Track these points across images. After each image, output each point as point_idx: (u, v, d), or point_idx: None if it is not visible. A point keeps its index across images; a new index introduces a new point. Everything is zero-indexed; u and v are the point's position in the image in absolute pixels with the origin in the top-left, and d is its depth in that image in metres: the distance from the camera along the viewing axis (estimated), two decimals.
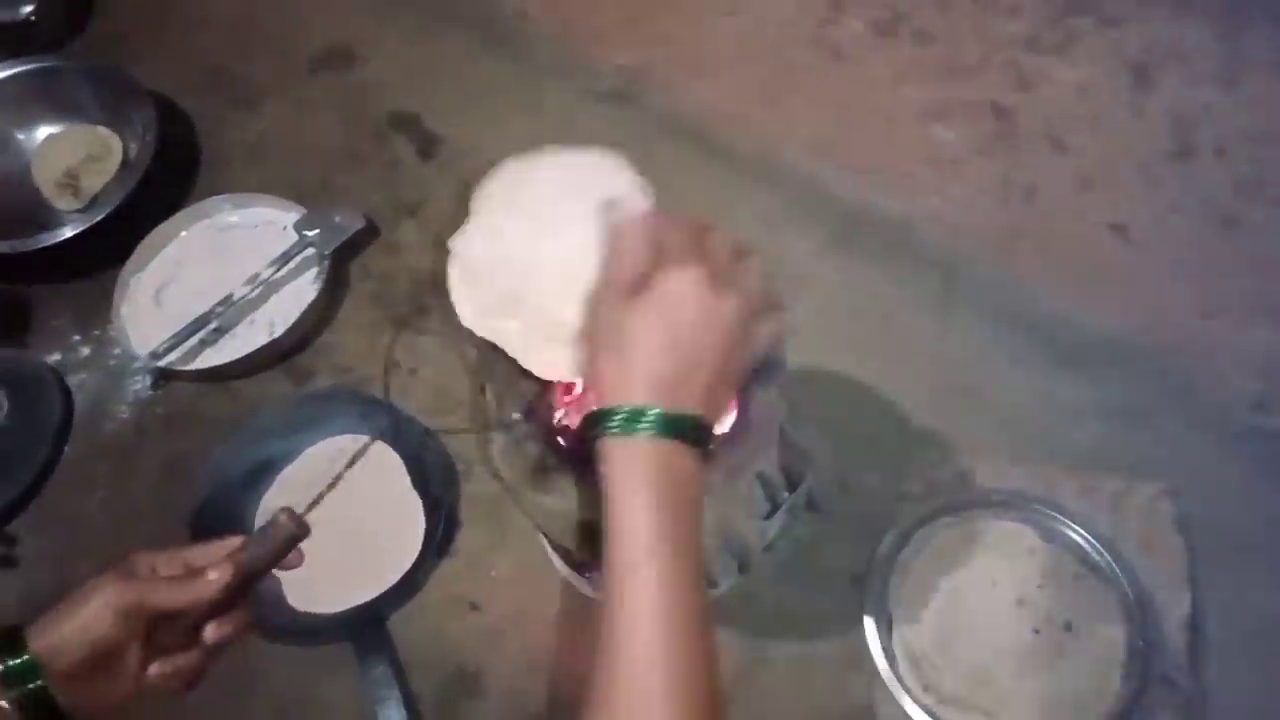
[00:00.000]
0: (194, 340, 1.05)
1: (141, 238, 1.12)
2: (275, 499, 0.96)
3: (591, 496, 0.66)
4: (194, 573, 0.60)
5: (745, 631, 0.86)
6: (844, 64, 0.92)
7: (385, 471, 0.96)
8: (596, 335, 0.54)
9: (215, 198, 1.14)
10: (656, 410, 0.50)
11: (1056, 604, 0.82)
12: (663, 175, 1.15)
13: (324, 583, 0.89)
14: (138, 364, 1.02)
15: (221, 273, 1.10)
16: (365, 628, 0.89)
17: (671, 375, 0.51)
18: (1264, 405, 0.84)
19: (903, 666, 0.81)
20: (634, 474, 0.50)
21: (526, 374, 0.72)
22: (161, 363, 1.03)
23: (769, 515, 0.67)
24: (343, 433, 0.99)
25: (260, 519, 0.95)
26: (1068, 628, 0.81)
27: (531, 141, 1.17)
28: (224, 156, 1.23)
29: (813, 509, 0.82)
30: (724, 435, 0.69)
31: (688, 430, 0.51)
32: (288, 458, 0.99)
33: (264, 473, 0.98)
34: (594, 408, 0.53)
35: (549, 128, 1.15)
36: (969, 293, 0.93)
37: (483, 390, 0.72)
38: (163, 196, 1.17)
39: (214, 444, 1.01)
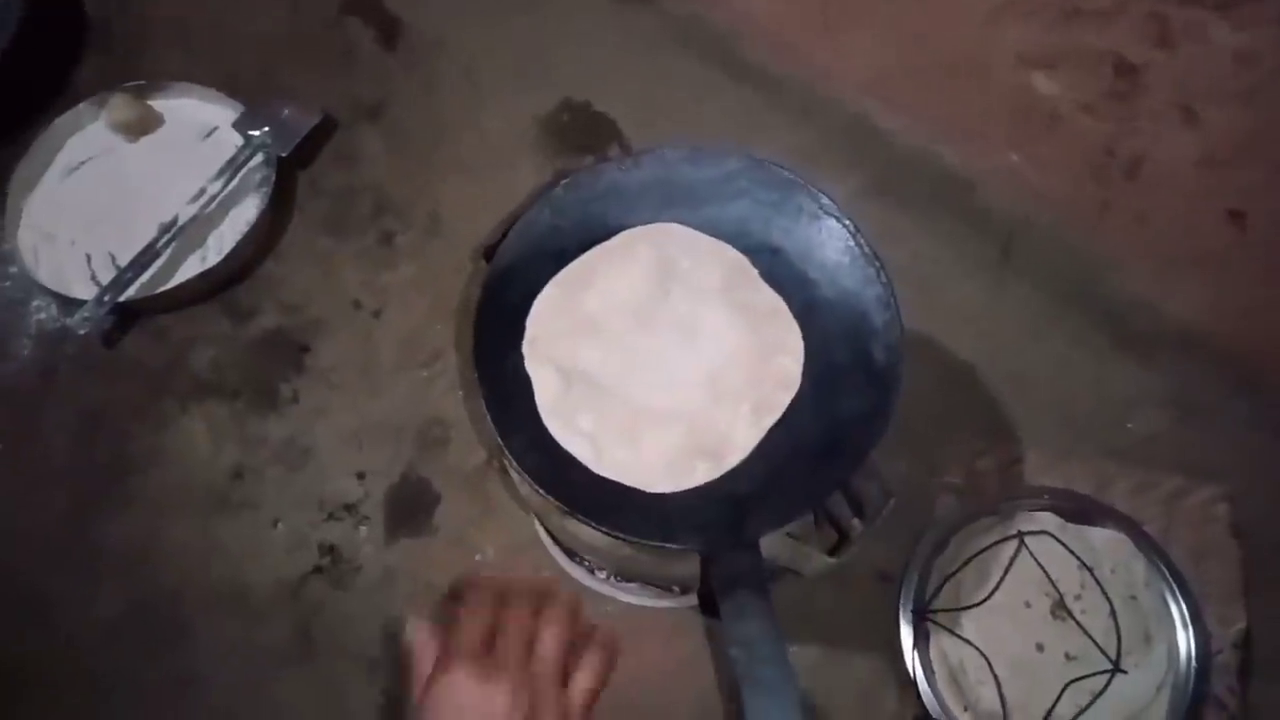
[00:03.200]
0: (144, 274, 0.90)
1: (19, 126, 0.96)
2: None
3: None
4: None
5: None
6: None
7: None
8: None
9: (129, 85, 0.97)
10: None
11: (1103, 617, 0.78)
12: (676, 94, 1.04)
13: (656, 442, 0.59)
14: (84, 308, 0.86)
15: (143, 185, 0.95)
16: (735, 537, 0.57)
17: None
18: None
19: (940, 680, 0.77)
20: None
21: None
22: (124, 297, 0.88)
23: (834, 550, 0.60)
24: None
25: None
26: (1115, 643, 0.77)
27: (518, 40, 1.03)
28: (135, 35, 1.04)
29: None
30: None
31: None
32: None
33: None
34: None
35: (543, 26, 1.00)
36: (1030, 263, 0.85)
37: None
38: (42, 78, 1.00)
39: (139, 391, 0.89)
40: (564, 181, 0.64)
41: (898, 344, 0.59)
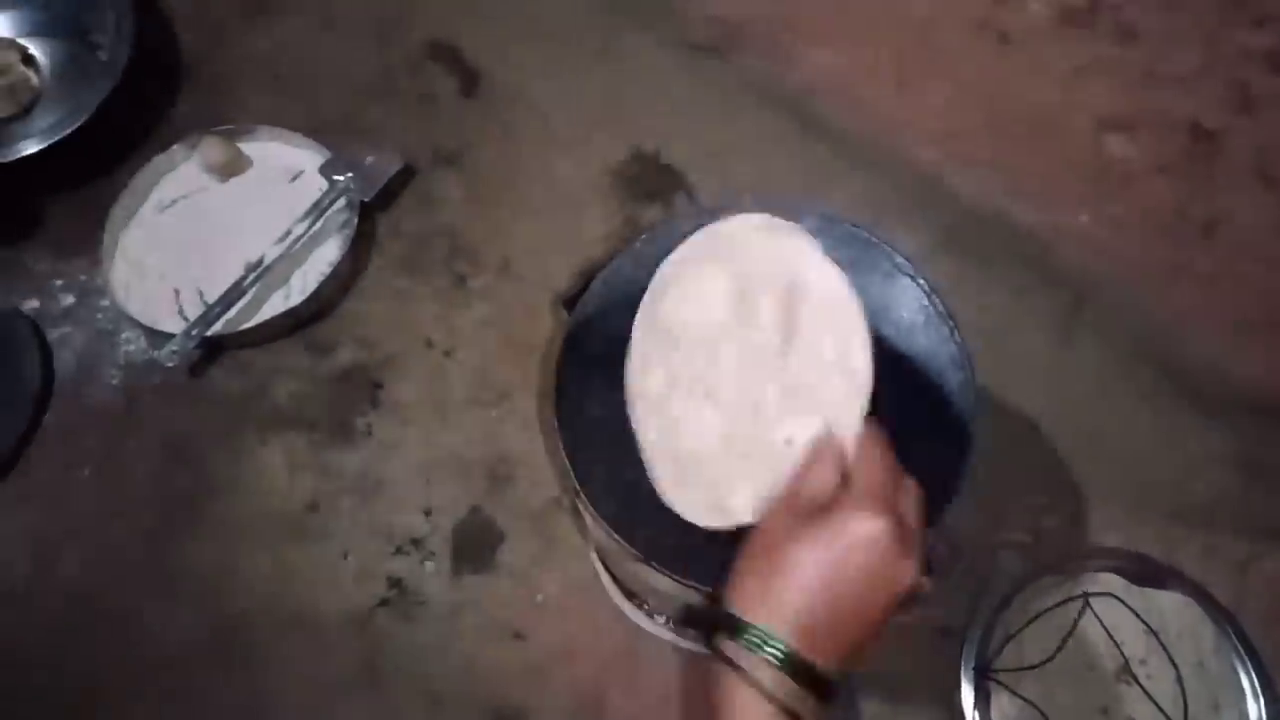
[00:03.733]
0: (230, 310, 0.94)
1: (118, 162, 1.02)
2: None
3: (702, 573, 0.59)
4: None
5: None
6: (1010, 50, 0.81)
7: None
8: (758, 543, 0.51)
9: (219, 129, 1.02)
10: (788, 651, 0.47)
11: (1170, 683, 0.77)
12: (746, 145, 1.07)
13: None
14: (172, 342, 0.91)
15: (231, 224, 1.00)
16: None
17: (822, 621, 0.48)
18: None
19: None
20: (746, 701, 0.47)
21: None
22: (210, 331, 0.93)
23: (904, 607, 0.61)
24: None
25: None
26: (1182, 710, 0.77)
27: (595, 91, 1.07)
28: (228, 76, 1.10)
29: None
30: None
31: (811, 683, 0.48)
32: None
33: None
34: (730, 609, 0.50)
35: (618, 78, 1.03)
36: (1100, 319, 0.85)
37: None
38: (141, 118, 1.06)
39: (220, 422, 0.93)
40: (644, 235, 0.67)
41: (972, 406, 0.60)
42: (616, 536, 0.58)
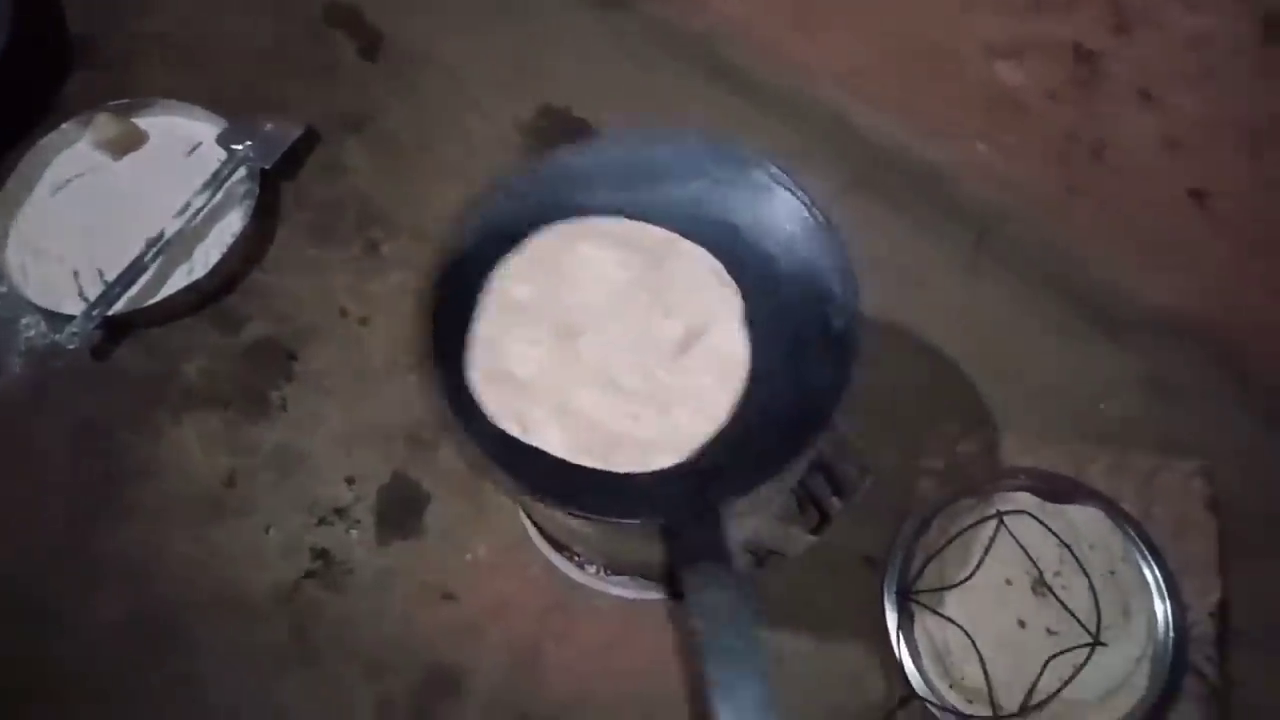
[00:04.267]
0: (131, 288, 0.92)
1: (7, 145, 0.98)
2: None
3: None
4: None
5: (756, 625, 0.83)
6: None
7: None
8: None
9: (112, 104, 0.99)
10: None
11: (1083, 592, 0.80)
12: (657, 95, 1.07)
13: (608, 416, 0.58)
14: (72, 323, 0.89)
15: (129, 201, 0.97)
16: (692, 518, 0.55)
17: None
18: None
19: (926, 659, 0.79)
20: None
21: None
22: (112, 311, 0.90)
23: (816, 529, 0.62)
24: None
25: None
26: (1095, 617, 0.80)
27: (501, 47, 1.06)
28: (120, 52, 1.07)
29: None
30: None
31: None
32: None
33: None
34: None
35: (524, 32, 1.03)
36: (1005, 251, 0.88)
37: None
38: (28, 97, 1.03)
39: (131, 404, 0.91)
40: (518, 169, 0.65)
41: (855, 310, 0.58)
42: (495, 477, 0.55)
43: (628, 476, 0.56)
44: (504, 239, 0.60)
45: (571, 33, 1.04)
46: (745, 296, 0.60)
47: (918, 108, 0.91)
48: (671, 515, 0.54)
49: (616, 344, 0.59)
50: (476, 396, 0.57)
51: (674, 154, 0.64)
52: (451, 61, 1.05)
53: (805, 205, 0.62)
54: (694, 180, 0.64)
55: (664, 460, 0.57)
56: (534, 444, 0.56)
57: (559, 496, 0.55)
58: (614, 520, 0.55)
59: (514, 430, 0.57)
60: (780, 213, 0.63)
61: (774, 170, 0.62)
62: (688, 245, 0.62)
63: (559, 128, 1.01)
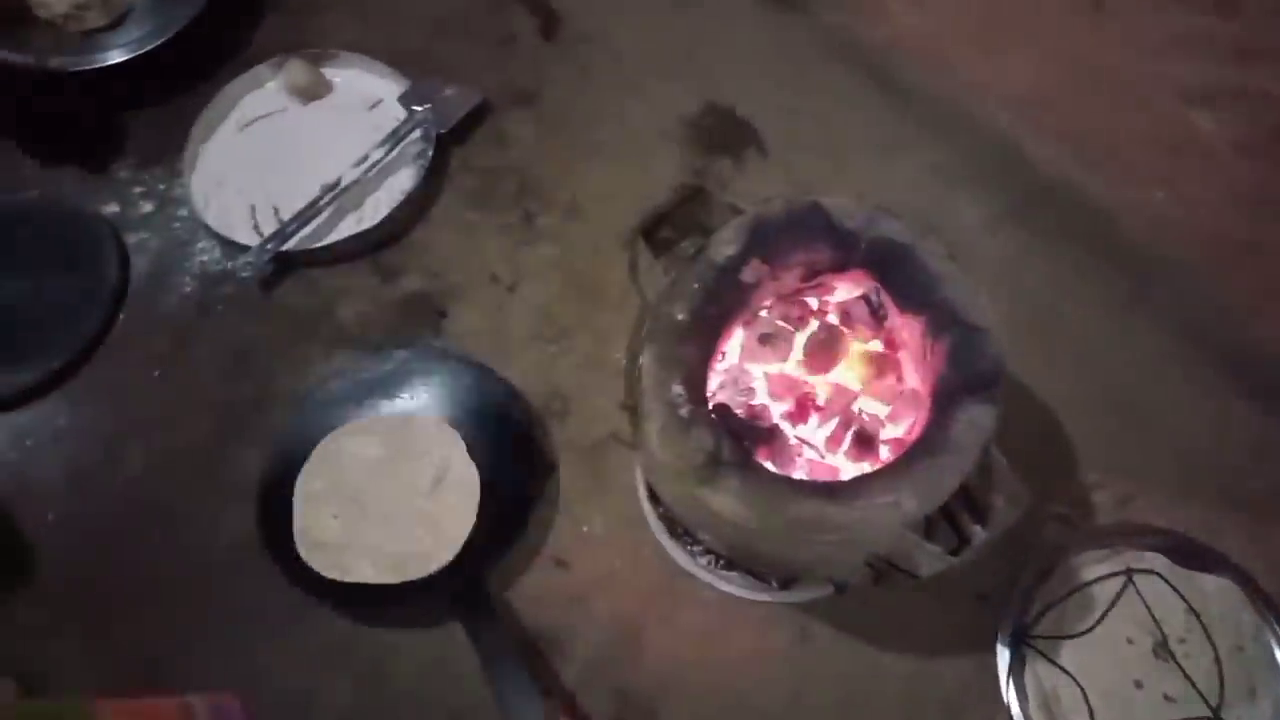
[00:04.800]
0: (304, 228, 0.97)
1: (203, 80, 1.05)
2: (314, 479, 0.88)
3: (767, 502, 0.61)
4: None
5: (858, 638, 0.83)
6: (1103, 18, 0.81)
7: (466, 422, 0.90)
8: None
9: (305, 52, 1.05)
10: None
11: (1207, 663, 0.78)
12: (824, 103, 1.08)
13: (406, 546, 0.85)
14: (247, 254, 0.95)
15: (309, 146, 1.02)
16: (472, 592, 0.82)
17: None
18: None
19: (1033, 705, 0.78)
20: None
21: (690, 335, 0.66)
22: (284, 247, 0.96)
23: (955, 551, 0.62)
24: (417, 391, 0.92)
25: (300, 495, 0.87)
26: (1217, 691, 0.77)
27: (674, 39, 1.08)
28: (307, 3, 1.12)
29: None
30: (913, 446, 0.64)
31: None
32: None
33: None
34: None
35: (698, 27, 1.04)
36: (1162, 300, 0.85)
37: (635, 359, 0.66)
38: (227, 38, 1.09)
39: (287, 336, 0.96)
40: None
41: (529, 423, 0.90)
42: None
43: (425, 578, 0.83)
44: (300, 451, 0.89)
45: (744, 31, 1.06)
46: (467, 437, 0.88)
47: (1094, 143, 0.89)
48: (453, 596, 0.82)
49: (390, 497, 0.86)
50: (307, 562, 0.84)
51: (393, 369, 0.92)
52: (624, 48, 1.07)
53: (482, 368, 0.91)
54: (413, 376, 0.92)
55: (443, 560, 0.84)
56: (355, 580, 0.83)
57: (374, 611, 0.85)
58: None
59: (339, 576, 0.83)
60: (467, 379, 0.91)
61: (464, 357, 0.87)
62: (419, 418, 0.89)
63: (722, 128, 1.02)
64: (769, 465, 0.68)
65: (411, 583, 0.84)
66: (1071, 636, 0.80)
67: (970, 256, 0.94)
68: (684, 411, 0.63)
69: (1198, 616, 0.79)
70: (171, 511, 0.90)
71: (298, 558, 0.85)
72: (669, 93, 1.05)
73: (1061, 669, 0.79)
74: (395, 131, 1.00)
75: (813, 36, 1.01)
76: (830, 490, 0.62)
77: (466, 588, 0.83)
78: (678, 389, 0.64)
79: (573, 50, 1.09)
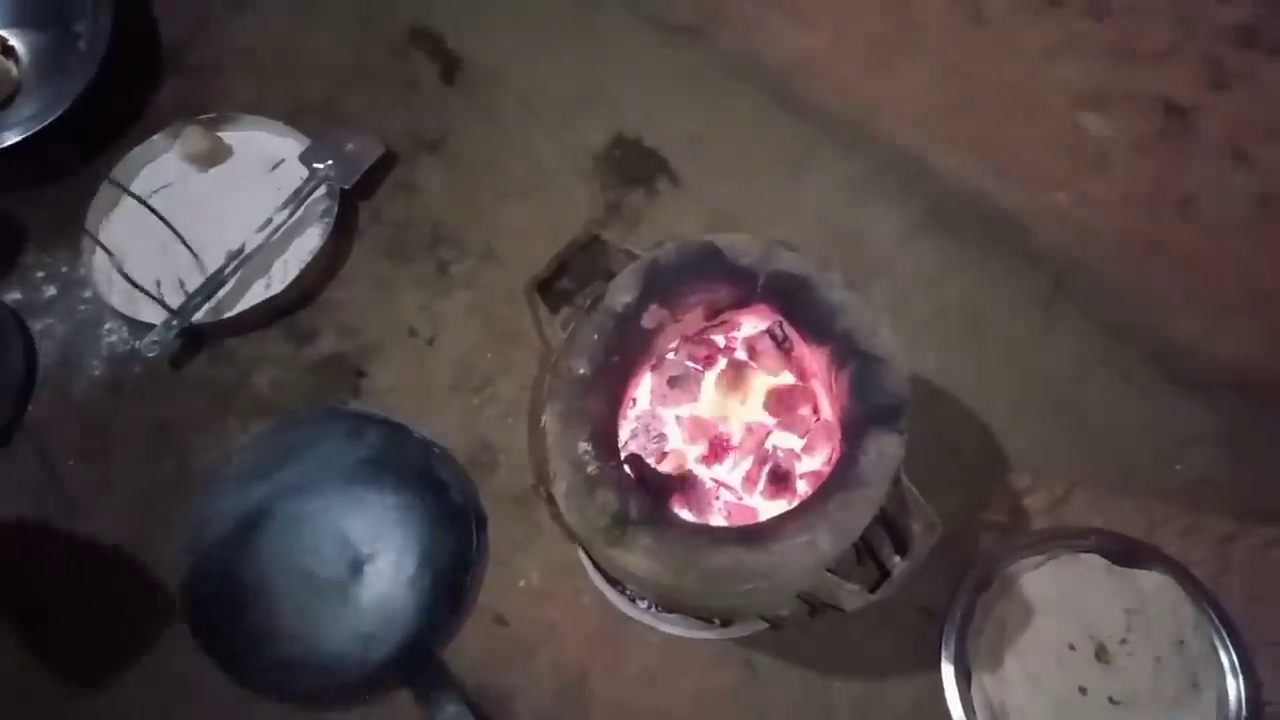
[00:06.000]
0: (211, 299, 0.95)
1: (99, 153, 1.03)
2: (276, 548, 0.87)
3: (681, 557, 0.60)
4: None
5: (805, 667, 0.82)
6: (985, 30, 0.81)
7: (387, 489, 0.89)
8: None
9: (200, 118, 1.03)
10: None
11: (1149, 661, 0.78)
12: (730, 127, 1.07)
13: (346, 626, 0.84)
14: (153, 332, 0.92)
15: (212, 213, 1.01)
16: (419, 664, 0.82)
17: None
18: None
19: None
20: None
21: (594, 389, 0.65)
22: (192, 320, 0.94)
23: (875, 588, 0.62)
24: (331, 459, 0.90)
25: (264, 573, 0.86)
26: (1162, 687, 0.77)
27: (577, 74, 1.07)
28: (209, 65, 1.11)
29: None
30: (825, 481, 0.63)
31: None
32: (279, 497, 0.88)
33: (258, 520, 0.87)
34: None
35: (600, 60, 1.04)
36: (1080, 300, 0.86)
37: (538, 420, 0.65)
38: (117, 107, 1.07)
39: (203, 410, 0.94)
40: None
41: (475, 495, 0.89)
42: None
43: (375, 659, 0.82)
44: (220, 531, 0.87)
45: (647, 62, 1.05)
46: (391, 502, 0.87)
47: (996, 152, 0.89)
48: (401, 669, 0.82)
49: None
50: None
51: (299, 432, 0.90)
52: (527, 87, 1.06)
53: (398, 427, 0.90)
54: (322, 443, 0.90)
55: (393, 638, 0.83)
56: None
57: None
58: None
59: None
60: (383, 440, 0.90)
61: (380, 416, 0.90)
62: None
63: (632, 160, 1.02)
64: (686, 513, 0.68)
65: (360, 664, 0.82)
66: (1014, 647, 0.79)
67: (891, 269, 0.95)
68: (591, 469, 0.62)
69: (1137, 615, 0.80)
70: (101, 604, 0.88)
71: (230, 645, 0.83)
72: (577, 128, 1.05)
73: (1006, 680, 0.79)
74: (298, 191, 0.99)
75: (713, 63, 1.01)
76: (745, 536, 0.61)
77: (415, 659, 0.82)
78: (584, 446, 0.63)
79: (476, 93, 1.08)
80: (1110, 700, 0.77)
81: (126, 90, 1.08)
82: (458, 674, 0.83)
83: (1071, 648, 0.79)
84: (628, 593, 0.84)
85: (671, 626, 0.83)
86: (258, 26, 1.12)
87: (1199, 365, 0.86)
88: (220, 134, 1.04)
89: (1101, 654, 0.79)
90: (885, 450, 0.62)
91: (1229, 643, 0.79)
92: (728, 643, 0.83)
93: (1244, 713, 0.76)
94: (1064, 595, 0.81)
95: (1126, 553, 0.82)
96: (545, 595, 0.87)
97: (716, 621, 0.82)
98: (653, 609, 0.83)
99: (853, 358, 0.64)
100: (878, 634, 0.83)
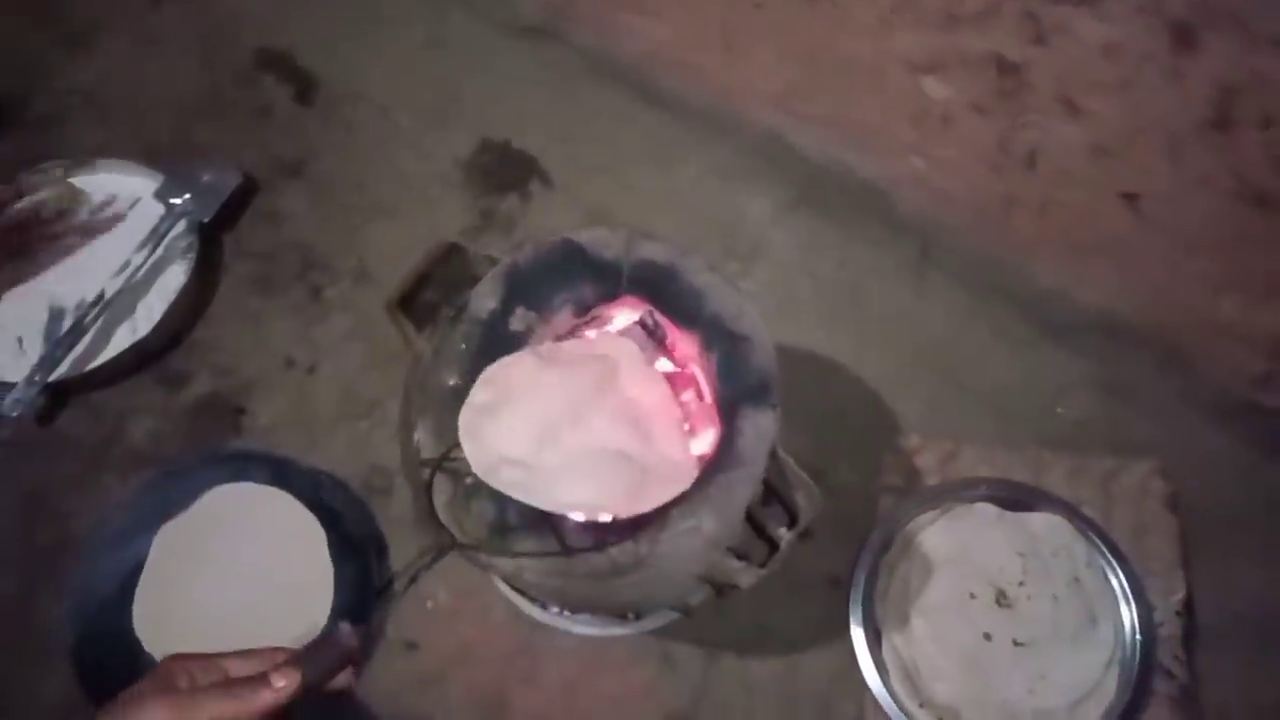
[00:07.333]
0: (73, 351, 0.92)
1: None
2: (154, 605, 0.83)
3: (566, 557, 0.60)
4: (247, 682, 0.58)
5: (723, 652, 0.83)
6: (819, 6, 0.84)
7: (280, 521, 0.86)
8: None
9: (48, 165, 0.99)
10: None
11: (1047, 601, 0.81)
12: (596, 124, 1.08)
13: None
14: (14, 390, 0.89)
15: (69, 262, 0.97)
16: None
17: None
18: (1267, 383, 0.84)
19: (895, 679, 0.80)
20: None
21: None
22: (55, 375, 0.90)
23: (765, 562, 0.63)
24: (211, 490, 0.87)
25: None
26: (1062, 624, 0.80)
27: (434, 83, 1.07)
28: (52, 112, 1.07)
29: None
30: (707, 464, 0.64)
31: None
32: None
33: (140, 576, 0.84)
34: None
35: (456, 67, 1.03)
36: (949, 262, 0.89)
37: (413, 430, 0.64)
38: None
39: (78, 469, 0.91)
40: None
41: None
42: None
43: None
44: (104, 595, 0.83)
45: (504, 65, 1.05)
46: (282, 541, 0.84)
47: (849, 124, 0.92)
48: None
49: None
50: None
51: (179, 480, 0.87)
52: (386, 101, 1.06)
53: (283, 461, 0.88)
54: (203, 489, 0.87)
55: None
56: None
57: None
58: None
59: None
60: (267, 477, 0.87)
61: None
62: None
63: (501, 165, 1.01)
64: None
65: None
66: (918, 603, 0.82)
67: (769, 250, 0.97)
68: (468, 480, 0.62)
69: (1032, 558, 0.82)
70: None
71: None
72: (441, 138, 1.04)
73: (914, 637, 0.81)
74: (155, 229, 0.96)
75: (570, 62, 1.01)
76: (631, 527, 0.62)
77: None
78: (458, 457, 0.63)
79: (333, 111, 1.06)
80: (1014, 643, 0.80)
81: None
82: (372, 706, 0.82)
83: (972, 596, 0.81)
84: (537, 600, 0.84)
85: (585, 627, 0.83)
86: (97, 67, 1.09)
87: (1065, 313, 0.89)
88: (71, 180, 1.01)
89: (1001, 599, 0.81)
90: (760, 426, 0.63)
91: (1120, 573, 0.82)
92: (644, 636, 0.83)
93: (1139, 637, 0.79)
94: (961, 546, 0.83)
95: (1017, 499, 0.85)
96: (455, 614, 0.86)
97: (631, 616, 0.82)
98: (563, 612, 0.83)
99: (720, 339, 0.65)
100: (791, 610, 0.84)
